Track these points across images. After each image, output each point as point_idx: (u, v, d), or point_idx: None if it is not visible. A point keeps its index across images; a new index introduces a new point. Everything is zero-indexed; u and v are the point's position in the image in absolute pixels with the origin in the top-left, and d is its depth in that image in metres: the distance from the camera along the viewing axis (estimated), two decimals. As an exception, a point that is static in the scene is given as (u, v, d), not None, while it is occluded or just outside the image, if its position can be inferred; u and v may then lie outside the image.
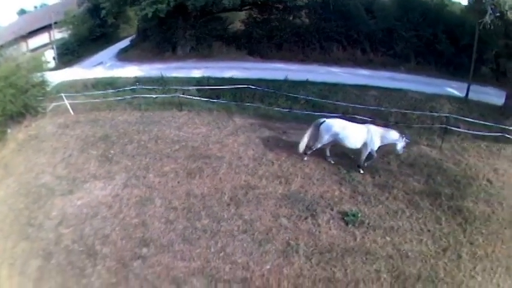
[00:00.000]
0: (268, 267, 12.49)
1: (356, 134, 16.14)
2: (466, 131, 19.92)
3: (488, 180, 17.47)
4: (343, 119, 17.18)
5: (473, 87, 25.12)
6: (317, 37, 31.52)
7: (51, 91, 22.36)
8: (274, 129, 19.30)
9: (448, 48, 28.74)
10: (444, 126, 19.84)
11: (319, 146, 16.64)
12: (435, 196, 16.12)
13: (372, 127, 16.37)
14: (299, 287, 12.06)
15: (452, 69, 28.07)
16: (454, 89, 25.34)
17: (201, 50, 31.11)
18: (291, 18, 31.85)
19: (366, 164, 16.32)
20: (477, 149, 19.77)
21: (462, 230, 14.83)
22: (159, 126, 19.51)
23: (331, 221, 14.16)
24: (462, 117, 20.59)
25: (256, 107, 20.98)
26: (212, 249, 12.98)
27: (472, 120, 20.09)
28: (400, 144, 16.20)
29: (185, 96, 21.43)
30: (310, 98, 22.31)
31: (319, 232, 13.69)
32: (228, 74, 25.42)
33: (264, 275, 12.22)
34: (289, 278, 12.23)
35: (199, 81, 24.08)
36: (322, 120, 16.53)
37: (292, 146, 17.37)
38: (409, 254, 13.46)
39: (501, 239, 14.42)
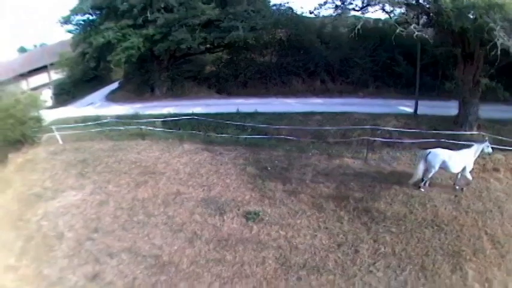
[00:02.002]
0: (175, 247, 17.60)
1: (459, 160, 18.47)
2: (386, 140, 23.31)
3: (414, 184, 20.19)
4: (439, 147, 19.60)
5: (435, 103, 27.64)
6: (277, 72, 35.98)
7: (46, 125, 27.77)
8: (213, 152, 24.40)
9: (406, 69, 31.14)
10: (366, 138, 22.96)
11: (430, 175, 19.13)
12: (342, 199, 19.59)
13: (465, 151, 18.91)
14: (194, 264, 16.86)
15: (413, 89, 29.12)
16: (408, 107, 27.76)
17: (175, 90, 36.19)
18: (254, 57, 36.54)
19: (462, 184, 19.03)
20: (411, 157, 22.73)
21: (366, 228, 17.44)
22: (124, 152, 24.89)
23: (235, 218, 18.89)
24: (400, 130, 23.91)
25: (205, 135, 26.31)
26: (140, 235, 18.34)
27: (411, 131, 23.33)
28: (486, 147, 18.79)
29: (148, 128, 27.03)
30: (254, 125, 26.93)
31: (222, 226, 18.56)
32: (194, 109, 30.58)
33: (171, 253, 17.39)
34: (188, 257, 17.14)
35: (165, 116, 28.57)
36: (427, 151, 18.91)
37: (222, 164, 22.89)
38: (299, 246, 16.72)
39: (417, 238, 16.77)
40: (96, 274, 16.53)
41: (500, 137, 21.25)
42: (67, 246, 18.04)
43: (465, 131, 23.52)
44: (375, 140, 22.84)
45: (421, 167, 18.83)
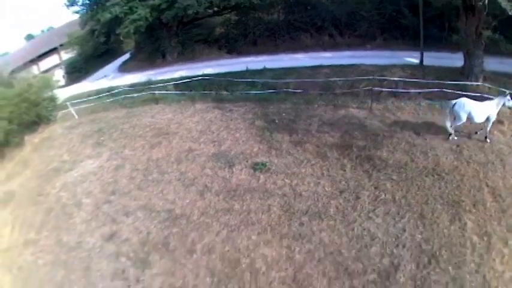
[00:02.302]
0: (187, 201, 18.31)
1: (483, 110, 18.68)
2: (392, 90, 23.50)
3: (415, 132, 20.74)
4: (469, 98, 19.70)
5: (442, 54, 27.63)
6: (286, 29, 36.50)
7: (60, 103, 28.82)
8: (223, 109, 24.96)
9: (412, 21, 30.71)
10: (370, 88, 23.27)
11: (459, 123, 19.44)
12: (346, 148, 19.95)
13: (488, 102, 19.03)
14: (204, 214, 17.58)
15: (420, 41, 28.91)
16: (415, 58, 27.68)
17: (186, 54, 36.92)
18: (262, 16, 36.94)
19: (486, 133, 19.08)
20: (415, 106, 22.93)
21: (368, 175, 17.75)
22: (138, 117, 25.72)
23: (243, 170, 19.50)
24: (408, 80, 24.04)
25: (216, 94, 26.90)
26: (154, 192, 19.05)
27: (416, 80, 23.40)
28: (507, 101, 18.77)
29: (161, 92, 27.78)
30: (263, 81, 27.52)
31: (231, 177, 19.17)
32: (205, 71, 31.25)
33: (183, 206, 18.10)
34: (199, 208, 17.84)
35: (177, 80, 29.19)
36: (453, 102, 19.19)
37: (232, 120, 23.37)
38: (303, 193, 17.30)
39: (417, 186, 16.98)
40: (113, 234, 17.24)
41: (505, 90, 20.73)
42: (85, 211, 18.76)
43: (471, 82, 23.40)
44: (381, 91, 23.28)
45: (449, 118, 19.12)
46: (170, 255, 15.86)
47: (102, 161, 21.95)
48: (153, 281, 15.04)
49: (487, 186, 17.11)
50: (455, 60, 25.23)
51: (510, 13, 20.35)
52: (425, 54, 27.42)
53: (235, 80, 28.07)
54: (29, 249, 17.16)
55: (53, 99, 27.93)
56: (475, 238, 15.38)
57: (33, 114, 26.55)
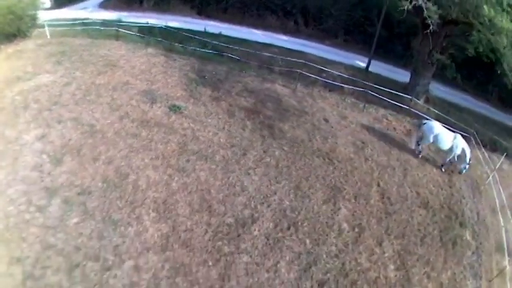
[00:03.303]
0: (108, 121, 20.12)
1: (447, 139, 19.08)
2: (316, 77, 25.42)
3: (325, 119, 22.35)
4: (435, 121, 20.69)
5: (397, 70, 28.87)
6: (256, 6, 37.52)
7: (40, 23, 29.65)
8: (169, 58, 26.75)
9: (379, 32, 29.61)
10: (299, 71, 25.10)
11: (424, 145, 20.25)
12: (254, 113, 21.81)
13: (459, 137, 19.21)
14: (117, 134, 19.24)
15: (382, 51, 30.29)
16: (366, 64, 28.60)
17: (162, 5, 37.63)
18: None
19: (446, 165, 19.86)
20: (338, 100, 24.75)
21: (262, 140, 19.45)
22: (97, 48, 27.03)
23: (161, 108, 21.47)
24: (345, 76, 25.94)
25: (168, 44, 28.53)
26: (86, 109, 20.64)
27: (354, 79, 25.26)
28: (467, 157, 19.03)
29: (123, 31, 29.20)
30: (213, 42, 29.22)
31: (149, 111, 21.18)
32: (171, 23, 32.56)
33: (103, 125, 19.82)
34: (115, 129, 19.66)
35: (143, 25, 30.64)
36: (424, 121, 20.12)
37: (171, 68, 25.30)
38: (200, 138, 19.27)
39: (305, 162, 18.51)
40: (43, 135, 18.87)
41: (447, 117, 22.74)
42: (29, 114, 20.27)
43: (411, 99, 24.33)
44: (316, 79, 25.18)
45: (416, 135, 20.29)
46: (79, 159, 17.73)
47: (56, 77, 23.35)
48: (59, 177, 16.85)
49: (378, 185, 18.36)
50: (407, 78, 26.27)
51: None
52: (381, 66, 28.69)
53: (192, 36, 29.67)
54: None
55: (34, 17, 28.20)
56: (345, 225, 16.27)
57: (14, 27, 27.24)
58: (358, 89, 24.42)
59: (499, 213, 17.95)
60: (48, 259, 13.59)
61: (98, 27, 29.46)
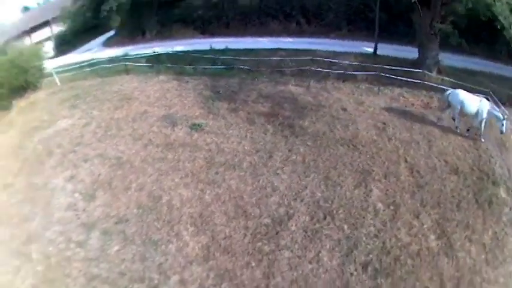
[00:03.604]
0: (133, 151, 21.26)
1: (473, 103, 19.38)
2: (327, 70, 26.33)
3: (342, 108, 23.04)
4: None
5: (404, 48, 28.65)
6: (256, 15, 38.60)
7: (47, 72, 31.07)
8: (181, 81, 27.84)
9: (380, 16, 30.69)
10: (308, 68, 26.12)
11: (456, 112, 20.36)
12: (272, 116, 22.68)
13: (484, 100, 19.50)
14: (144, 161, 20.46)
15: (386, 34, 30.44)
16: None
17: (164, 33, 39.12)
18: (237, 0, 39.20)
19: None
20: (352, 88, 25.38)
21: (285, 140, 20.19)
22: (109, 85, 28.30)
23: (182, 129, 22.49)
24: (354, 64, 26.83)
25: (178, 68, 29.82)
26: (110, 144, 21.73)
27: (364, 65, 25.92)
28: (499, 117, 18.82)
29: (133, 64, 30.66)
30: (221, 57, 30.63)
31: (171, 134, 22.27)
32: (177, 48, 33.88)
33: (129, 155, 20.96)
34: (141, 157, 20.78)
35: (150, 54, 31.33)
36: (448, 91, 20.51)
37: (185, 89, 26.41)
38: (225, 149, 20.19)
39: (330, 153, 19.15)
40: (72, 176, 20.04)
41: (461, 83, 22.77)
42: (54, 160, 21.44)
43: (424, 73, 24.65)
44: (328, 73, 26.11)
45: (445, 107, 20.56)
46: (111, 191, 18.80)
47: (74, 120, 24.62)
48: (95, 211, 17.97)
49: (406, 161, 18.83)
50: (416, 53, 26.57)
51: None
52: (388, 47, 29.01)
53: (199, 56, 30.95)
54: (6, 191, 19.16)
55: (40, 67, 30.22)
56: (379, 205, 16.81)
57: (22, 80, 28.61)
58: (369, 73, 25.02)
59: None
60: (95, 290, 14.03)
61: (105, 65, 30.95)
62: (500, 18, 20.77)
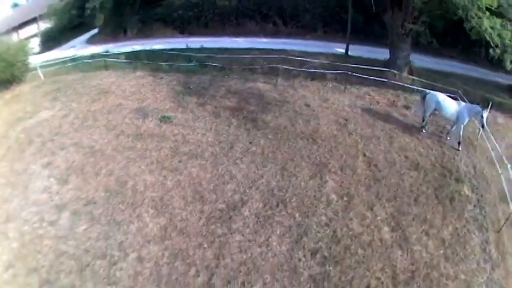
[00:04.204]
0: (106, 141, 22.37)
1: (451, 106, 18.98)
2: (296, 69, 27.48)
3: (306, 104, 24.20)
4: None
5: (378, 49, 29.02)
6: (234, 15, 39.96)
7: (32, 66, 32.38)
8: (156, 77, 29.27)
9: (354, 16, 31.97)
10: (276, 66, 27.35)
11: (427, 114, 20.18)
12: (237, 110, 23.94)
13: (462, 103, 19.02)
14: (115, 150, 21.44)
15: (363, 36, 31.80)
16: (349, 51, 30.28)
17: (145, 31, 40.43)
18: (216, 1, 39.86)
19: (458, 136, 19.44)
20: (319, 87, 26.62)
21: (247, 133, 21.08)
22: (89, 79, 29.63)
23: (152, 121, 23.80)
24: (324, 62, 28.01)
25: (154, 64, 31.22)
26: (85, 134, 22.98)
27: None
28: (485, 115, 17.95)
29: (112, 60, 32.04)
30: (196, 56, 31.90)
31: (142, 125, 23.59)
32: (155, 46, 35.40)
33: (102, 144, 21.85)
34: (112, 146, 21.77)
35: (129, 52, 33.09)
36: (426, 92, 20.31)
37: (159, 85, 27.77)
38: (190, 140, 21.01)
39: (289, 146, 20.00)
40: (49, 162, 21.39)
41: (432, 83, 23.87)
42: (34, 147, 22.71)
43: (393, 73, 25.14)
44: (299, 72, 27.45)
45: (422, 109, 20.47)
46: (83, 176, 20.09)
47: (54, 111, 25.92)
48: (67, 194, 19.19)
49: (364, 155, 19.33)
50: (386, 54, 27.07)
51: None
52: (363, 49, 29.90)
53: (176, 54, 32.41)
54: (-12, 176, 20.84)
55: (26, 62, 31.64)
56: (333, 196, 17.24)
57: (8, 73, 29.82)
58: (337, 71, 25.93)
59: (497, 164, 18.27)
60: (61, 264, 15.77)
61: (87, 60, 32.41)
62: (468, 17, 20.76)
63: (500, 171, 17.93)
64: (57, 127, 24.07)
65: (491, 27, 20.47)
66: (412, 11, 23.60)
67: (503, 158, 18.78)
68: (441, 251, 15.10)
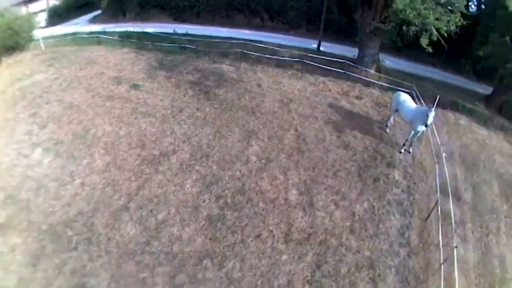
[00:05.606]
0: (83, 99, 26.36)
1: (409, 109, 18.62)
2: (259, 54, 30.71)
3: (258, 84, 27.53)
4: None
5: (352, 49, 30.23)
6: (225, 7, 43.15)
7: (36, 37, 34.40)
8: (139, 54, 32.98)
9: (338, 17, 34.38)
10: (240, 50, 30.75)
11: (391, 112, 20.68)
12: (196, 84, 27.68)
13: (421, 108, 18.62)
14: (89, 106, 25.81)
15: (344, 36, 33.67)
16: (324, 47, 32.95)
17: (142, 15, 43.08)
18: None
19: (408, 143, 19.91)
20: (280, 73, 29.27)
21: (198, 101, 24.58)
22: (82, 52, 33.32)
23: (124, 87, 27.95)
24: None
25: (141, 44, 35.49)
26: (69, 93, 27.47)
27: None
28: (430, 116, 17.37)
29: (104, 37, 36.33)
30: (181, 38, 35.87)
31: (115, 90, 27.81)
32: (148, 29, 39.41)
33: (80, 101, 26.49)
34: (87, 103, 26.08)
35: (122, 32, 36.62)
36: (396, 92, 20.44)
37: (139, 60, 31.84)
38: (149, 103, 24.82)
39: (229, 115, 23.08)
40: (35, 113, 25.63)
41: (398, 80, 25.45)
42: (25, 101, 26.75)
43: (361, 69, 26.16)
44: (268, 59, 30.32)
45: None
46: (58, 124, 24.17)
47: (48, 74, 29.81)
48: (43, 136, 23.71)
49: (296, 130, 21.55)
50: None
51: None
52: (339, 47, 32.02)
53: (163, 36, 36.45)
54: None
55: (30, 33, 33.94)
56: (253, 158, 19.82)
57: (13, 41, 32.31)
58: (293, 59, 28.06)
59: (443, 159, 18.98)
60: (24, 184, 20.32)
61: (84, 36, 36.82)
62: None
63: (435, 160, 18.88)
64: (47, 87, 28.18)
65: (407, 5, 21.07)
66: (381, 11, 24.25)
67: (456, 155, 20.29)
68: (347, 223, 16.31)
